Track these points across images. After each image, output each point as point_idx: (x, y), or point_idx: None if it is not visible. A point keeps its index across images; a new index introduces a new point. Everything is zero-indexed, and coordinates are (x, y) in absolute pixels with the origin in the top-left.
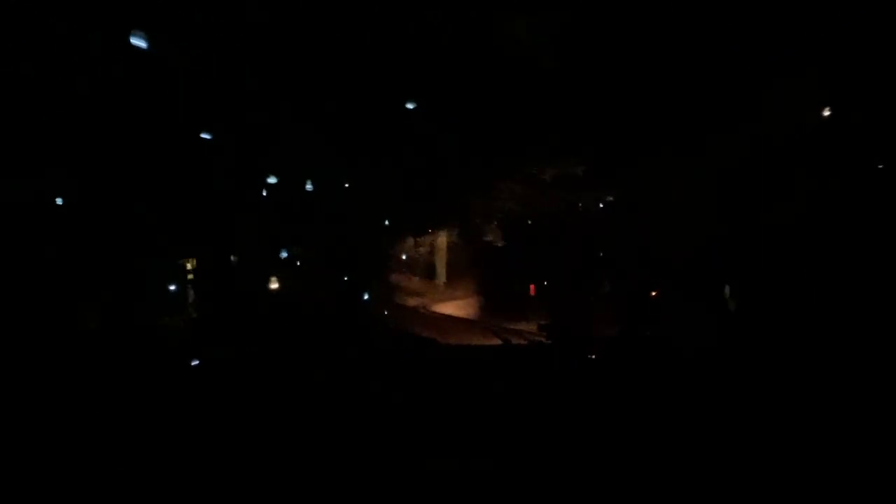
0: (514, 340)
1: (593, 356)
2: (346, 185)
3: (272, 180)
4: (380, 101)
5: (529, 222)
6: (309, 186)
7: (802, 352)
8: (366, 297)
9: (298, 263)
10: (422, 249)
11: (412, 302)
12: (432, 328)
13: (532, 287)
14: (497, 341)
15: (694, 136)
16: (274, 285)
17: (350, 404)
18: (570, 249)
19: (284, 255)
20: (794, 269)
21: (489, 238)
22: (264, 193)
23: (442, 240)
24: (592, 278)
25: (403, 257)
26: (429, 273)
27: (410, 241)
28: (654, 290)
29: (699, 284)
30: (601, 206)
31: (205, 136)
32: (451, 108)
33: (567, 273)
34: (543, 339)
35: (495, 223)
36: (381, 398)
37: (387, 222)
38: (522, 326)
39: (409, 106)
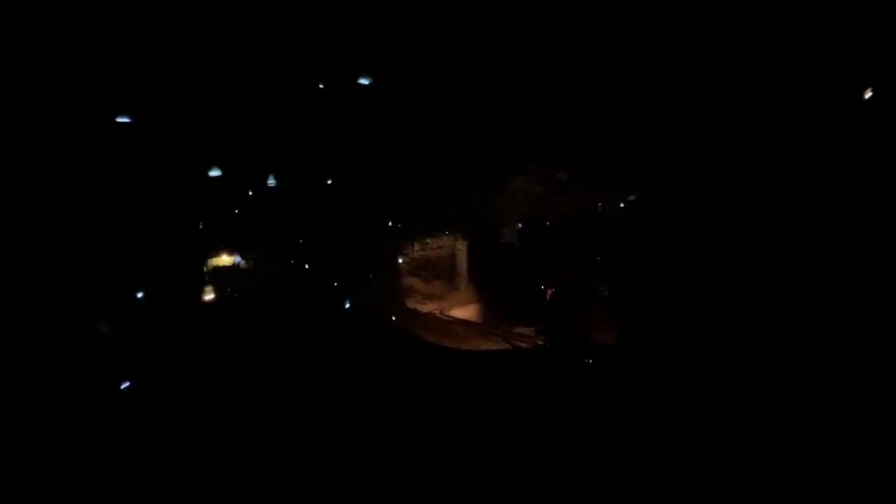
0: (525, 346)
1: (590, 360)
2: (329, 182)
3: (215, 173)
4: (376, 96)
5: (547, 223)
6: (272, 182)
7: (803, 359)
8: (347, 305)
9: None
10: (442, 252)
11: (430, 306)
12: (441, 333)
13: (548, 291)
14: (507, 346)
15: (700, 137)
16: (209, 296)
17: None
18: (574, 252)
19: (239, 261)
20: (799, 273)
21: (506, 240)
22: (251, 193)
23: (462, 242)
24: (592, 281)
25: (404, 259)
26: (450, 276)
27: (430, 243)
28: (654, 294)
29: (699, 289)
30: (622, 205)
31: (123, 118)
32: (454, 103)
33: (567, 276)
34: (541, 343)
35: (519, 225)
36: (370, 403)
37: (390, 223)
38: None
39: (364, 81)
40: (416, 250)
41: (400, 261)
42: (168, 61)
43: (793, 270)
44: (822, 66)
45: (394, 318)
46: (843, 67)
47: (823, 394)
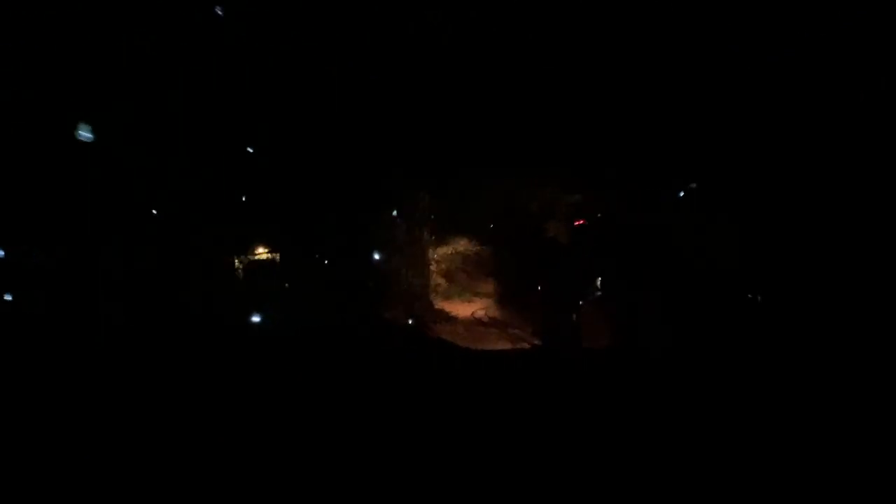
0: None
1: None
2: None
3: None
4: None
5: (599, 215)
6: (87, 135)
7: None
8: (257, 318)
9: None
10: (493, 247)
11: (477, 304)
12: (459, 334)
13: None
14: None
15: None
16: None
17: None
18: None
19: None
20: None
21: (550, 235)
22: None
23: (508, 237)
24: (587, 281)
25: (442, 255)
26: (498, 273)
27: (481, 237)
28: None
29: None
30: (681, 194)
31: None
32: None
33: (564, 276)
34: (536, 345)
35: (579, 222)
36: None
37: (395, 213)
38: None
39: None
40: (466, 247)
41: (434, 257)
42: (168, 61)
43: (796, 271)
44: (822, 66)
45: (410, 322)
46: (843, 67)
47: (822, 396)
